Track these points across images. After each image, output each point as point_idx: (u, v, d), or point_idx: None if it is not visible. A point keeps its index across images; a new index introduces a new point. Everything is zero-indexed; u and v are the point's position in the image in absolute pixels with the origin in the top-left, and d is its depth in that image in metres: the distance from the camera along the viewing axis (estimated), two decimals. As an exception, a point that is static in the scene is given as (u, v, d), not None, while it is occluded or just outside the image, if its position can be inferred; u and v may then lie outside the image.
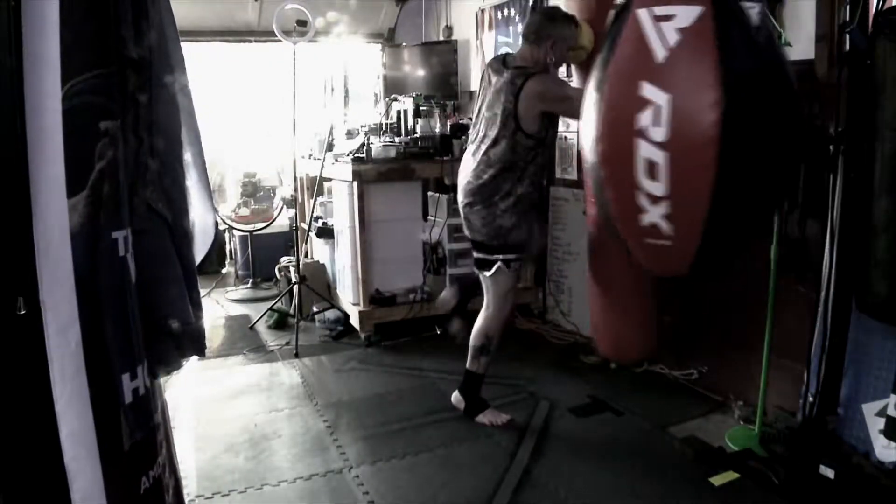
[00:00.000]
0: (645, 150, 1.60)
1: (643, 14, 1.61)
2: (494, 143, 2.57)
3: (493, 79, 2.64)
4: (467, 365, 2.82)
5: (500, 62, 2.66)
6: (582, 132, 1.91)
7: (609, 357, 3.26)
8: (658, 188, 1.61)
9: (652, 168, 1.60)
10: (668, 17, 1.58)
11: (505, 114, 2.52)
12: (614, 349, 3.22)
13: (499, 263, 2.67)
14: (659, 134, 1.57)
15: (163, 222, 1.24)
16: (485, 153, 2.61)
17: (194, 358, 1.34)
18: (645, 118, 1.59)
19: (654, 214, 1.66)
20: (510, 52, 2.82)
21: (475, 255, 2.78)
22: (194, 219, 1.38)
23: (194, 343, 1.31)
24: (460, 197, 2.75)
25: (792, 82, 1.69)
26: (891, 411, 1.99)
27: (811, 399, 2.17)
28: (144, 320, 1.16)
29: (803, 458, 2.15)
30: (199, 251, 1.42)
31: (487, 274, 2.72)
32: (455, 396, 2.87)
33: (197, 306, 1.32)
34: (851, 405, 2.11)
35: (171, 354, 1.26)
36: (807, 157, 1.90)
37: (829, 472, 2.06)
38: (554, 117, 2.63)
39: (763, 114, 1.60)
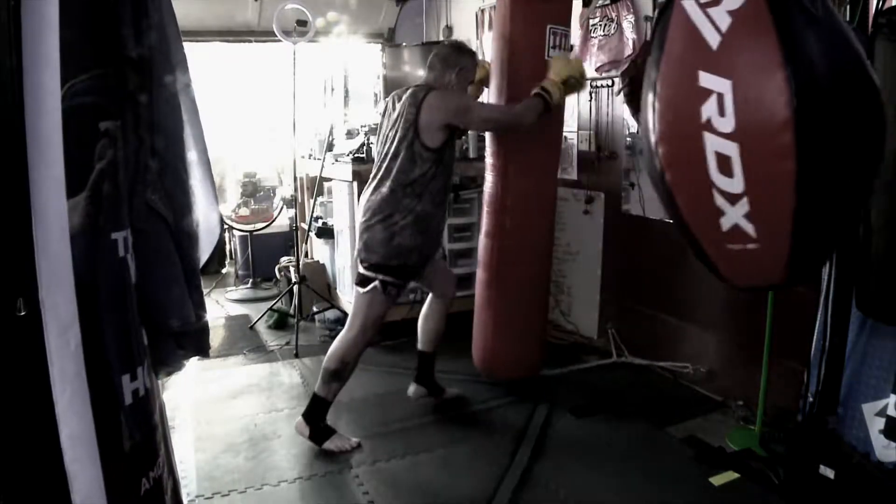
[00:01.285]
0: (713, 144, 1.47)
1: (689, 4, 1.52)
2: (395, 156, 2.52)
3: (398, 104, 2.61)
4: (316, 389, 2.61)
5: (404, 91, 2.67)
6: (640, 140, 1.77)
7: (493, 375, 3.09)
8: (734, 185, 1.47)
9: (724, 162, 1.46)
10: (715, 2, 1.48)
11: (406, 125, 2.51)
12: (491, 364, 3.03)
13: (376, 283, 2.51)
14: (726, 124, 1.45)
15: (163, 222, 1.24)
16: (386, 168, 2.54)
17: (194, 358, 1.34)
18: (708, 109, 1.47)
19: (734, 215, 1.50)
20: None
21: (359, 271, 2.58)
22: (199, 218, 1.38)
23: (196, 343, 1.30)
24: (360, 217, 2.60)
25: (861, 52, 1.51)
26: (891, 411, 1.99)
27: (811, 399, 2.17)
28: (145, 320, 1.16)
29: (803, 458, 2.15)
30: (205, 251, 1.42)
31: (362, 291, 2.55)
32: (298, 423, 2.65)
33: (200, 306, 1.32)
34: (851, 405, 2.11)
35: (173, 354, 1.26)
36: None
37: (829, 472, 2.05)
38: (453, 137, 2.58)
39: (840, 90, 1.43)
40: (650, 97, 1.65)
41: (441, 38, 5.14)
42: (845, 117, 1.45)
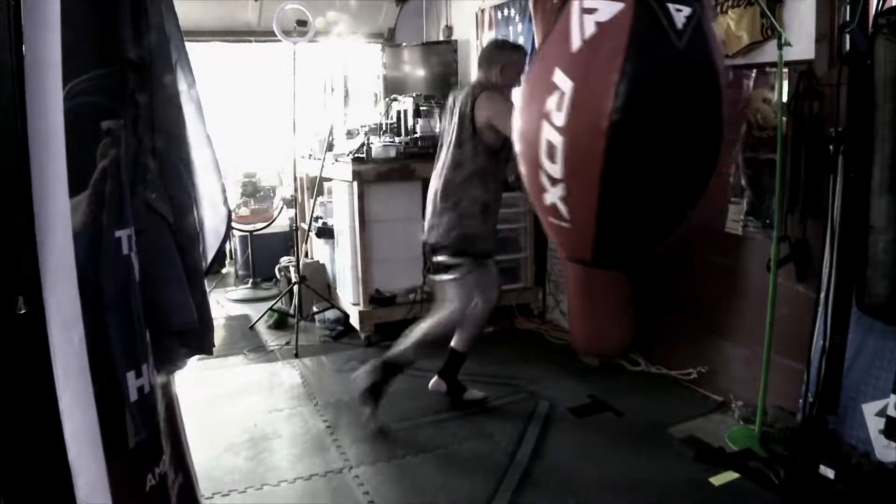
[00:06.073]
0: (547, 132, 1.67)
1: (575, 6, 1.67)
2: (459, 144, 2.71)
3: (458, 101, 2.79)
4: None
5: (463, 88, 2.86)
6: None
7: (585, 351, 3.41)
8: (556, 170, 1.68)
9: (551, 150, 1.68)
10: (591, 11, 1.63)
11: (465, 119, 2.69)
12: (590, 342, 3.38)
13: (464, 267, 2.75)
14: (559, 119, 1.64)
15: (163, 222, 1.24)
16: (452, 156, 2.74)
17: (197, 356, 1.34)
18: (551, 102, 1.66)
19: (553, 195, 1.73)
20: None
21: (436, 259, 2.86)
22: (203, 217, 1.38)
23: (199, 342, 1.30)
24: (431, 207, 2.86)
25: (716, 92, 1.66)
26: (891, 411, 1.99)
27: (811, 399, 2.17)
28: (148, 319, 1.16)
29: (803, 458, 2.16)
30: (211, 247, 1.43)
31: (448, 277, 2.78)
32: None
33: (202, 306, 1.32)
34: (851, 405, 2.11)
35: (176, 353, 1.26)
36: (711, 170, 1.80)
37: (829, 472, 2.06)
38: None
39: (664, 117, 1.60)
40: (524, 78, 1.90)
41: (441, 38, 5.15)
42: (663, 144, 1.61)
